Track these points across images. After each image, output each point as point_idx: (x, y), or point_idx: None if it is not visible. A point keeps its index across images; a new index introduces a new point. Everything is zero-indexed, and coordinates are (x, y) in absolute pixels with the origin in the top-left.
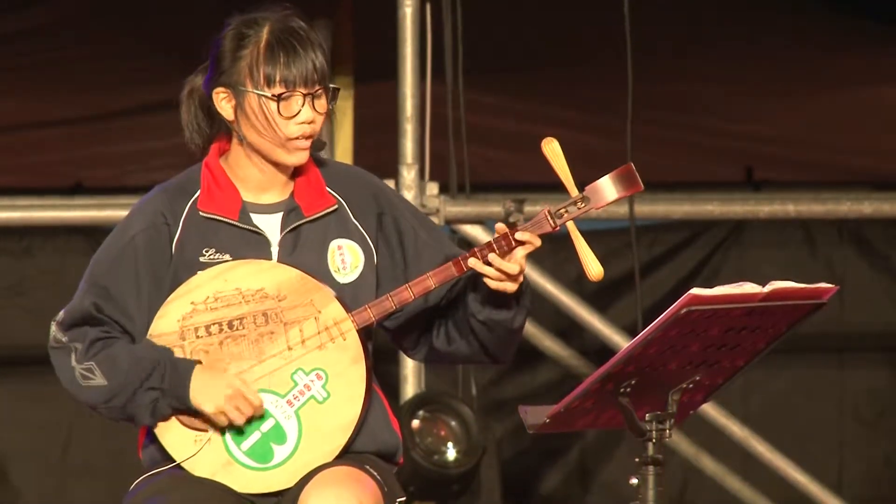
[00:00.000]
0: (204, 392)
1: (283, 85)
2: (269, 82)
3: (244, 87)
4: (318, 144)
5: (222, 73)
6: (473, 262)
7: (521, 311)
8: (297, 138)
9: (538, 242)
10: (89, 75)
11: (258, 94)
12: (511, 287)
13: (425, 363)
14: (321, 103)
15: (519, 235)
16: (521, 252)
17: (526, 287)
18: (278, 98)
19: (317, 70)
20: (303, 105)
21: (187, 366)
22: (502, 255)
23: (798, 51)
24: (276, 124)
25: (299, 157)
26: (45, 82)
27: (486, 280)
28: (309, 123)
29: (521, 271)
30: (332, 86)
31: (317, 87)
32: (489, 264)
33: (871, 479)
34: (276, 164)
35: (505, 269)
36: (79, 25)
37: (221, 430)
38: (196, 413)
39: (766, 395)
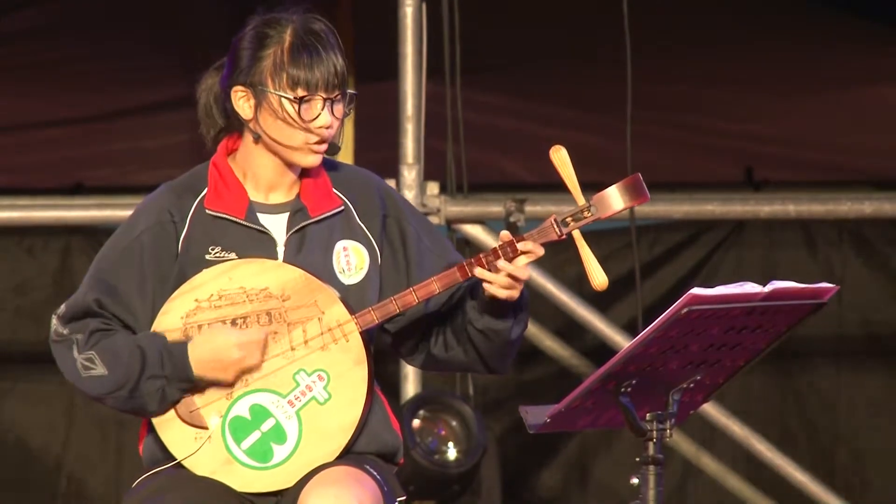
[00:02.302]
0: (210, 366)
1: (306, 88)
2: (292, 84)
3: (265, 88)
4: (333, 149)
5: (241, 72)
6: (480, 272)
7: (520, 323)
8: (314, 142)
9: (541, 252)
10: (89, 75)
11: (280, 96)
12: (514, 295)
13: (423, 369)
14: (339, 108)
15: (521, 246)
16: (522, 260)
17: (525, 301)
18: (300, 101)
19: (338, 75)
20: (322, 109)
21: (181, 348)
22: (509, 260)
23: (798, 51)
24: (296, 127)
25: (314, 160)
26: (45, 82)
27: (488, 287)
28: (327, 128)
29: (525, 278)
30: (350, 91)
31: (336, 93)
32: (493, 271)
33: (871, 479)
34: (290, 165)
35: (511, 272)
36: (79, 25)
37: (222, 428)
38: (205, 389)
39: (766, 395)
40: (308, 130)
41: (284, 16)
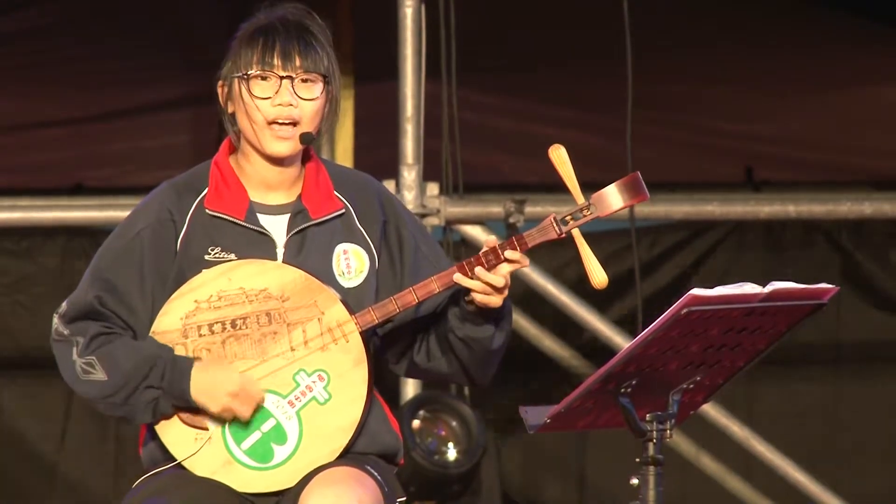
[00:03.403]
0: (206, 392)
1: (259, 66)
2: (246, 64)
3: (229, 74)
4: (305, 137)
5: (221, 67)
6: (458, 278)
7: (501, 333)
8: (275, 122)
9: (526, 262)
10: (89, 75)
11: (235, 77)
12: (494, 302)
13: (407, 377)
14: (308, 91)
15: (509, 254)
16: (506, 268)
17: (508, 310)
18: (248, 77)
19: (299, 55)
20: (279, 88)
21: (186, 364)
22: (492, 267)
23: (798, 51)
24: (255, 106)
25: (281, 146)
26: (45, 82)
27: (472, 293)
28: (286, 106)
29: (506, 285)
30: (326, 75)
31: (299, 73)
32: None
33: (871, 480)
34: (269, 158)
35: (489, 281)
36: (79, 25)
37: (222, 429)
38: (199, 410)
39: (766, 395)
40: (259, 109)
41: (271, 12)
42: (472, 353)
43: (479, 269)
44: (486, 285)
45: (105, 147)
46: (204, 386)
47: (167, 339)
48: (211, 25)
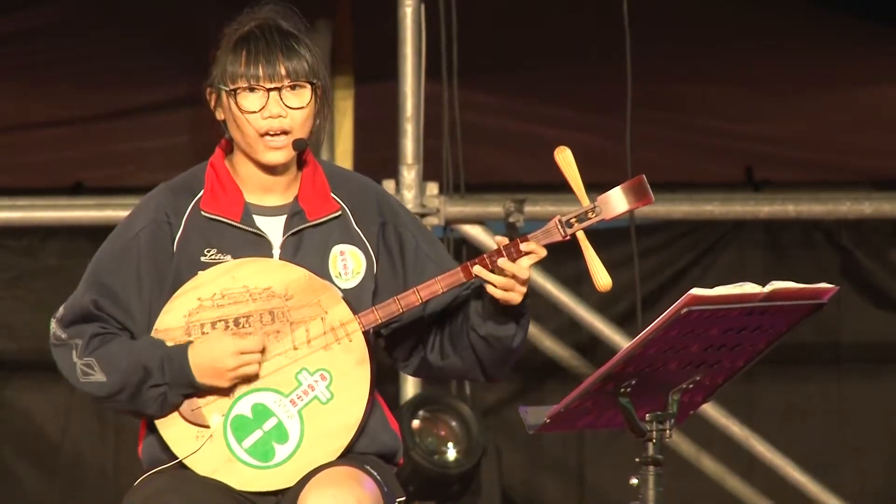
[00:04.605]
0: (209, 373)
1: (245, 80)
2: (232, 78)
3: (217, 85)
4: (298, 144)
5: (209, 74)
6: (479, 270)
7: (521, 331)
8: (266, 134)
9: (543, 253)
10: (89, 75)
11: (223, 90)
12: (515, 298)
13: (415, 376)
14: (296, 99)
15: (524, 246)
16: (526, 262)
17: (527, 309)
18: (235, 93)
19: (284, 63)
20: (267, 100)
21: (181, 353)
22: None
23: (797, 51)
24: (244, 119)
25: (275, 156)
26: (45, 82)
27: (490, 289)
28: (276, 118)
29: (526, 280)
30: (313, 81)
31: (285, 82)
32: (497, 271)
33: (871, 480)
34: (263, 166)
35: (514, 271)
36: (79, 25)
37: (224, 427)
38: (210, 390)
39: (765, 395)
40: (250, 123)
41: (251, 14)
42: (492, 352)
43: (502, 261)
44: (508, 278)
45: (105, 147)
46: (205, 369)
47: (170, 337)
48: (211, 25)
